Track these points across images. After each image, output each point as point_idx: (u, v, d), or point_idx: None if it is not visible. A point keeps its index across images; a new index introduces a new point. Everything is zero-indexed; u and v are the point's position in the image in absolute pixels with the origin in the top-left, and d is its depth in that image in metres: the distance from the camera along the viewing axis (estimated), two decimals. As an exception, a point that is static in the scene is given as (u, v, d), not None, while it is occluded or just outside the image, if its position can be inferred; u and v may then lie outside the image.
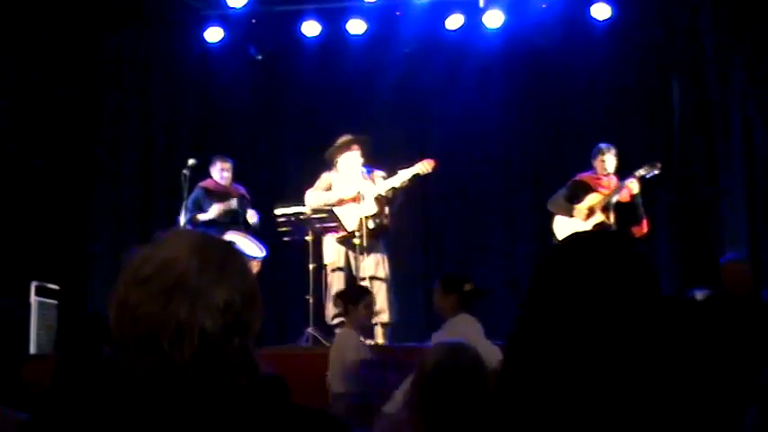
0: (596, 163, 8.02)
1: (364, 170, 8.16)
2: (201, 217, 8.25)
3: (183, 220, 8.12)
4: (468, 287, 5.85)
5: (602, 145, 8.04)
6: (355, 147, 8.18)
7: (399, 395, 5.82)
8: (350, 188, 8.01)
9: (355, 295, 6.34)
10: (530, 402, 1.47)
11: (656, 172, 7.83)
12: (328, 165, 8.33)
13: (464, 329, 5.56)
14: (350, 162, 8.13)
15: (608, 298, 1.49)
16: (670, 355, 1.49)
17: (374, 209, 7.94)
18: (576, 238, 1.68)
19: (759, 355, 3.35)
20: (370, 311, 6.31)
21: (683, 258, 9.31)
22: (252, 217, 8.41)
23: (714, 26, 8.65)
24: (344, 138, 8.24)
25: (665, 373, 1.47)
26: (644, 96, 9.82)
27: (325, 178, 8.25)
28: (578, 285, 1.51)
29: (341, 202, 8.03)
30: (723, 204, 8.55)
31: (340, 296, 6.66)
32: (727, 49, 8.57)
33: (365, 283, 7.85)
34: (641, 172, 7.80)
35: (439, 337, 5.78)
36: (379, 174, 8.09)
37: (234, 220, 8.37)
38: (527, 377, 1.49)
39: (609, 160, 7.94)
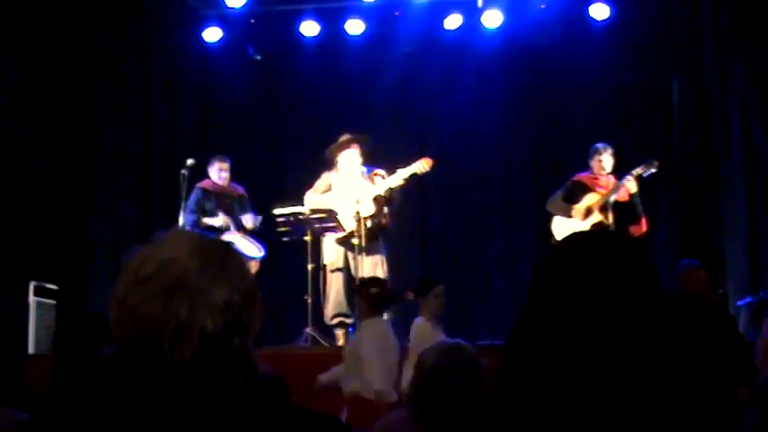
0: (593, 163, 8.02)
1: (365, 169, 8.15)
2: (208, 221, 8.28)
3: (182, 220, 8.11)
4: (373, 290, 5.95)
5: (599, 145, 8.05)
6: (355, 145, 8.18)
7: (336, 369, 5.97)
8: (348, 192, 7.99)
9: (424, 286, 6.35)
10: (529, 402, 1.47)
11: (654, 170, 7.83)
12: (328, 164, 8.33)
13: (366, 334, 5.82)
14: (349, 161, 8.13)
15: (608, 297, 1.49)
16: (670, 353, 1.49)
17: (372, 209, 7.93)
18: (574, 238, 1.68)
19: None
20: (441, 301, 6.30)
21: (682, 258, 9.30)
22: (249, 221, 8.41)
23: (714, 26, 8.65)
24: (344, 137, 8.24)
25: (666, 371, 1.47)
26: (644, 96, 9.82)
27: (325, 178, 8.25)
28: (577, 285, 1.51)
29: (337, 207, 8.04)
30: (723, 204, 8.55)
31: (409, 289, 6.65)
32: (727, 49, 8.57)
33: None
34: (639, 171, 7.80)
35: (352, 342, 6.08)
36: (379, 173, 8.08)
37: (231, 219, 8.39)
38: (527, 377, 1.49)
39: (606, 160, 7.94)
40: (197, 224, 8.19)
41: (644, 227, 7.91)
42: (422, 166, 7.86)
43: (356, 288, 6.39)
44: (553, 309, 1.51)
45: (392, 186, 7.95)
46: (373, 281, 6.41)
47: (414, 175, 7.95)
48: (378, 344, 5.70)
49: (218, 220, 8.33)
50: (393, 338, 5.93)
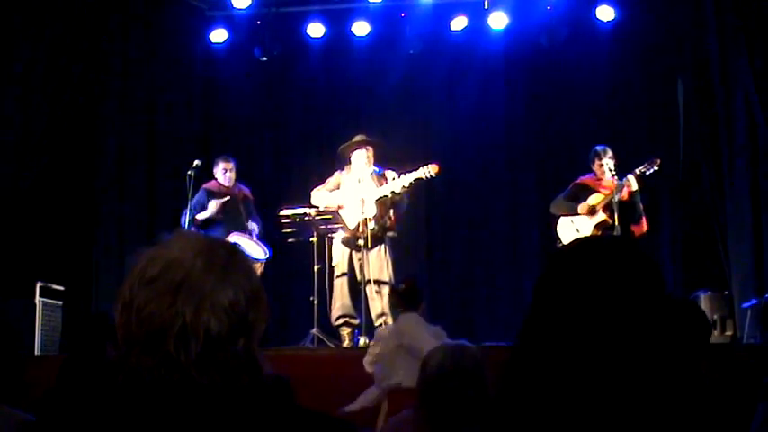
0: (595, 167, 8.01)
1: (376, 170, 8.15)
2: (200, 216, 8.27)
3: (185, 221, 8.12)
4: (402, 287, 6.06)
5: (598, 147, 8.02)
6: (367, 147, 8.17)
7: (362, 398, 5.91)
8: (355, 193, 7.99)
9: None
10: (534, 405, 1.47)
11: (656, 168, 7.83)
12: (338, 164, 8.34)
13: (407, 326, 5.81)
14: (359, 161, 8.12)
15: (613, 302, 1.49)
16: (675, 358, 1.49)
17: (374, 211, 7.92)
18: (580, 242, 1.68)
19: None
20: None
21: (686, 259, 9.30)
22: (253, 227, 8.41)
23: (718, 27, 8.64)
24: (358, 137, 8.23)
25: (671, 376, 1.47)
26: (649, 98, 9.82)
27: (336, 177, 8.27)
28: (582, 289, 1.51)
29: (341, 207, 8.04)
30: (728, 205, 8.54)
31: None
32: (732, 50, 8.56)
33: (370, 286, 7.86)
34: (641, 169, 7.80)
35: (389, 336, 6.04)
36: (390, 174, 8.07)
37: (236, 221, 8.38)
38: (531, 380, 1.50)
39: (607, 162, 7.91)
40: (192, 222, 8.18)
41: (644, 227, 7.91)
42: (429, 171, 7.82)
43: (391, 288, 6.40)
44: (558, 313, 1.51)
45: (396, 190, 7.93)
46: (405, 279, 6.35)
47: (419, 180, 7.91)
48: (429, 331, 5.67)
49: (210, 208, 8.32)
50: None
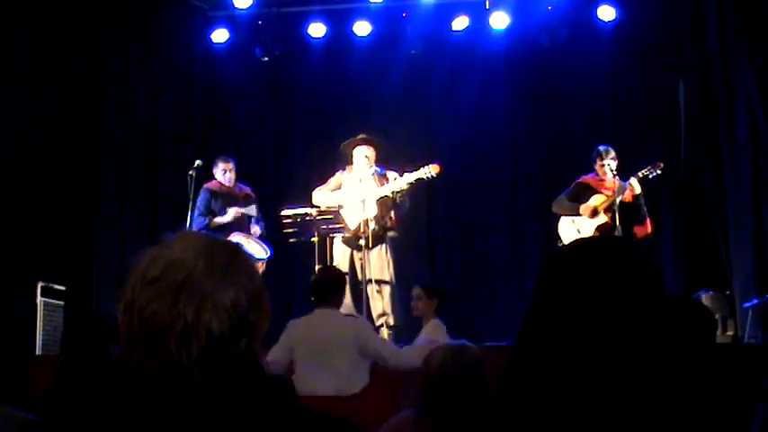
0: (597, 167, 7.99)
1: (377, 170, 8.15)
2: (218, 220, 8.28)
3: (190, 222, 8.11)
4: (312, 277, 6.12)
5: (601, 148, 7.99)
6: (368, 145, 8.16)
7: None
8: (356, 192, 7.99)
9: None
10: (534, 405, 1.47)
11: (659, 172, 7.82)
12: (341, 164, 8.34)
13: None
14: (361, 158, 8.12)
15: (613, 302, 1.49)
16: (675, 358, 1.49)
17: (375, 211, 7.92)
18: (580, 243, 1.68)
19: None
20: None
21: (688, 260, 9.29)
22: (256, 230, 8.41)
23: (719, 27, 8.63)
24: (361, 135, 8.23)
25: (671, 376, 1.47)
26: (650, 98, 9.81)
27: (338, 177, 8.27)
28: (583, 290, 1.51)
29: (342, 207, 8.05)
30: (729, 205, 8.53)
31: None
32: (733, 51, 8.55)
33: (371, 286, 7.86)
34: (644, 172, 7.79)
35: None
36: (391, 175, 8.07)
37: (237, 221, 8.39)
38: (532, 380, 1.50)
39: (609, 163, 7.89)
40: (208, 227, 8.20)
41: (649, 228, 7.90)
42: (430, 170, 7.82)
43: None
44: (559, 313, 1.51)
45: (397, 190, 7.93)
46: (320, 268, 6.24)
47: (420, 180, 7.91)
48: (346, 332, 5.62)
49: (229, 215, 8.35)
50: (323, 330, 5.70)
